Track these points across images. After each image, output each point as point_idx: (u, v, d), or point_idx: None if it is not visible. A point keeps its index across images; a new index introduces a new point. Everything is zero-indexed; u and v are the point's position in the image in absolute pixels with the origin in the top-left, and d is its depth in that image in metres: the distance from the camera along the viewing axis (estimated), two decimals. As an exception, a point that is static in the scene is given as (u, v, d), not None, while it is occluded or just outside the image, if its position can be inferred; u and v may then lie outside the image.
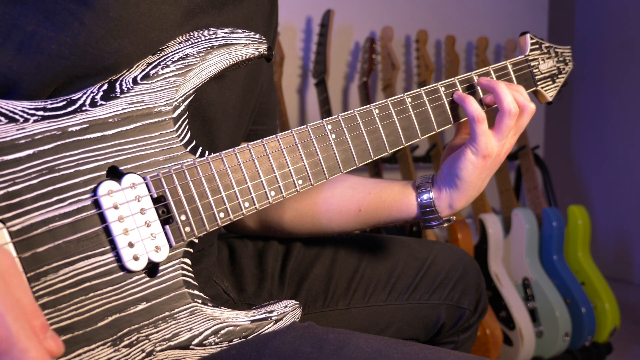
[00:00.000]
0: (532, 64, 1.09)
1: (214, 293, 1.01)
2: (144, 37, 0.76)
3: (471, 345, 1.18)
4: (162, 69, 0.75)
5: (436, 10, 2.83)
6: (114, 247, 0.67)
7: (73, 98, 0.70)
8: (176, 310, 0.72)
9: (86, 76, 0.72)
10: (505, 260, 2.38)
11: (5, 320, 0.49)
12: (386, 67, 2.45)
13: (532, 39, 1.10)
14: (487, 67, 1.01)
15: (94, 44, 0.71)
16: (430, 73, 2.49)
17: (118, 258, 0.67)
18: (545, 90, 1.11)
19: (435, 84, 0.96)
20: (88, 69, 0.72)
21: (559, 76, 1.15)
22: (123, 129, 0.71)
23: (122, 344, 0.67)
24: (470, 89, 0.99)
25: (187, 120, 0.77)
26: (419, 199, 0.98)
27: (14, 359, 0.50)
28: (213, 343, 0.74)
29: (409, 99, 0.93)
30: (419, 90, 0.94)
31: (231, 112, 0.93)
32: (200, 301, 0.74)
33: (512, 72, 1.04)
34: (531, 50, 1.09)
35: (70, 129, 0.67)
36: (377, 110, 0.90)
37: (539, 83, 1.10)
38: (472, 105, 0.93)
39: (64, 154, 0.66)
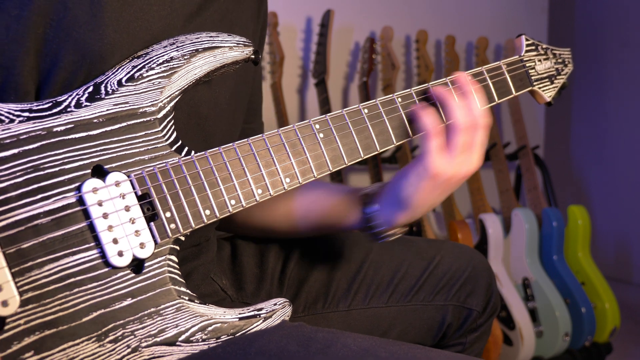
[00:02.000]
0: (528, 64, 1.08)
1: (211, 290, 1.01)
2: (127, 26, 0.77)
3: (482, 346, 1.15)
4: (146, 71, 0.76)
5: (436, 10, 2.83)
6: (98, 244, 0.68)
7: (58, 100, 0.71)
8: (162, 306, 0.72)
9: (71, 64, 0.73)
10: (505, 260, 2.38)
11: None
12: (386, 67, 2.46)
13: (527, 40, 1.10)
14: (480, 68, 1.01)
15: (77, 28, 0.73)
16: (430, 73, 2.49)
17: (103, 254, 0.68)
18: (543, 91, 1.11)
19: (426, 84, 0.95)
20: (72, 55, 0.73)
21: (558, 77, 1.14)
22: (108, 128, 0.72)
23: (107, 340, 0.68)
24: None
25: (173, 121, 0.78)
26: (363, 209, 0.96)
27: None
28: (200, 340, 0.74)
29: (399, 99, 0.93)
30: (409, 90, 0.94)
31: (224, 110, 0.94)
32: (187, 298, 0.74)
33: (506, 72, 1.04)
34: (527, 51, 1.09)
35: (55, 129, 0.69)
36: (365, 110, 0.90)
37: (535, 83, 1.09)
38: (425, 120, 0.87)
39: (48, 153, 0.68)
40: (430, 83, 0.95)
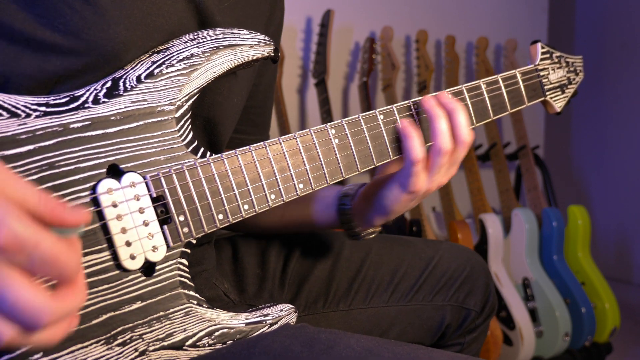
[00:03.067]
0: (542, 73, 1.07)
1: (214, 295, 1.01)
2: (140, 22, 0.75)
3: (480, 346, 1.17)
4: (166, 68, 0.75)
5: (436, 10, 2.83)
6: (111, 246, 0.67)
7: (76, 95, 0.70)
8: (171, 310, 0.72)
9: (86, 66, 0.72)
10: (505, 260, 2.39)
11: (6, 224, 0.49)
12: (386, 67, 2.46)
13: (542, 47, 1.09)
14: (495, 76, 1.00)
15: (87, 30, 0.71)
16: (430, 73, 2.49)
17: (115, 256, 0.67)
18: (554, 101, 1.10)
19: (443, 92, 0.95)
20: (85, 57, 0.71)
21: (569, 86, 1.13)
22: (125, 127, 0.71)
23: (116, 343, 0.67)
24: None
25: (189, 120, 0.76)
26: (339, 207, 1.00)
27: (30, 254, 0.50)
28: (207, 344, 0.74)
29: (415, 106, 0.92)
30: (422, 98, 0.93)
31: (235, 115, 0.94)
32: (195, 302, 0.74)
33: (520, 82, 1.03)
34: (541, 59, 1.08)
35: (71, 126, 0.67)
36: (382, 116, 0.89)
37: (547, 93, 1.08)
38: (414, 144, 0.87)
39: (64, 151, 0.66)
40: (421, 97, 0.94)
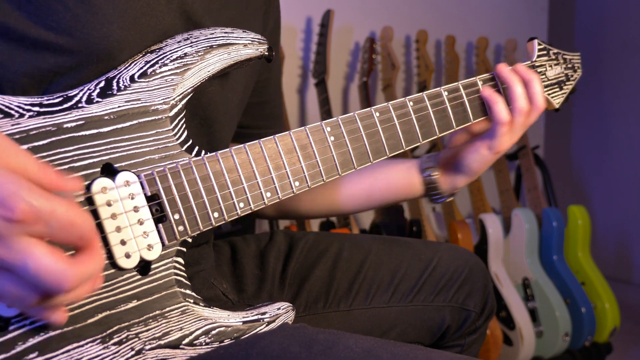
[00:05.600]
0: (539, 70, 1.07)
1: (213, 295, 1.00)
2: (134, 22, 0.75)
3: (479, 348, 1.17)
4: (159, 67, 0.75)
5: (436, 10, 2.83)
6: (106, 245, 0.67)
7: (69, 95, 0.70)
8: (167, 309, 0.72)
9: (80, 65, 0.72)
10: (505, 260, 2.38)
11: (21, 197, 0.51)
12: (386, 67, 2.45)
13: (539, 44, 1.09)
14: (491, 73, 1.01)
15: (80, 28, 0.71)
16: (430, 73, 2.49)
17: (110, 255, 0.67)
18: (552, 97, 1.10)
19: (438, 88, 0.96)
20: (78, 55, 0.72)
21: (567, 83, 1.13)
22: (119, 126, 0.71)
23: (112, 342, 0.67)
24: (473, 86, 1.01)
25: (184, 119, 0.76)
26: (424, 178, 1.07)
27: (48, 222, 0.53)
28: (204, 343, 0.73)
29: (411, 103, 0.92)
30: (421, 94, 0.94)
31: (234, 114, 0.93)
32: (192, 301, 0.74)
33: None
34: (538, 56, 1.08)
35: (65, 125, 0.67)
36: (377, 114, 0.89)
37: (545, 90, 1.08)
38: (501, 107, 0.97)
39: (58, 150, 0.66)
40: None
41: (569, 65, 1.14)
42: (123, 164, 0.70)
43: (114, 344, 0.67)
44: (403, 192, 1.10)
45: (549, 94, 1.09)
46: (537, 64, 1.07)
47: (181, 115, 0.76)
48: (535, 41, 1.09)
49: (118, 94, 0.72)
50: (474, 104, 0.99)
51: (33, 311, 0.58)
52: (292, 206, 1.16)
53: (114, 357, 0.67)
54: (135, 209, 0.69)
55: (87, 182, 0.67)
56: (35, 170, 0.54)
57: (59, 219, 0.53)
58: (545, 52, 1.10)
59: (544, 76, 1.08)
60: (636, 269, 3.08)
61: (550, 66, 1.10)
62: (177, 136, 0.75)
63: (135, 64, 0.74)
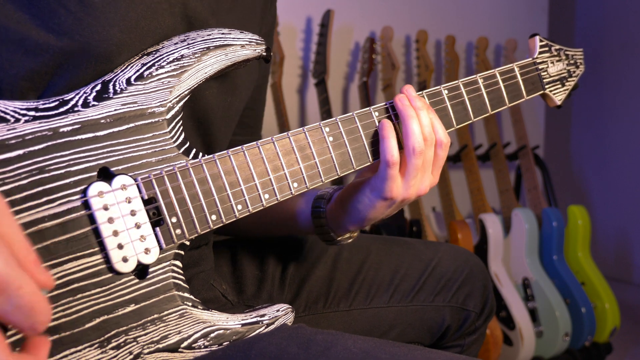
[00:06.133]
0: (541, 66, 1.07)
1: (212, 296, 1.00)
2: (135, 25, 0.75)
3: (479, 348, 1.17)
4: (156, 69, 0.74)
5: (436, 10, 2.83)
6: (103, 249, 0.66)
7: (65, 98, 0.69)
8: (165, 312, 0.71)
9: (76, 67, 0.72)
10: (505, 260, 2.38)
11: None
12: (386, 67, 2.45)
13: (541, 41, 1.08)
14: (493, 70, 1.00)
15: (80, 31, 0.71)
16: (430, 73, 2.49)
17: (107, 259, 0.67)
18: (554, 94, 1.09)
19: (438, 87, 0.94)
20: (77, 58, 0.71)
21: (569, 79, 1.12)
22: (115, 129, 0.70)
23: (110, 346, 0.67)
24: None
25: (181, 122, 0.76)
26: (313, 213, 0.97)
27: (10, 296, 0.50)
28: (202, 346, 0.73)
29: (376, 113, 0.91)
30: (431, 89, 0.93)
31: (233, 117, 0.93)
32: (190, 304, 0.73)
33: (519, 75, 1.03)
34: (540, 52, 1.07)
35: (61, 130, 0.67)
36: (376, 113, 0.88)
37: (547, 86, 1.08)
38: (388, 145, 0.84)
39: (54, 155, 0.66)
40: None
41: (572, 62, 1.13)
42: (120, 167, 0.70)
43: (112, 349, 0.67)
44: (294, 229, 1.02)
45: (550, 90, 1.09)
46: (538, 60, 1.07)
47: (178, 118, 0.76)
48: (537, 37, 1.08)
49: (114, 97, 0.72)
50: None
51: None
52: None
53: None
54: (132, 213, 0.69)
55: (83, 187, 0.67)
56: (21, 246, 0.53)
57: (22, 298, 0.51)
58: (547, 48, 1.09)
59: (545, 73, 1.07)
60: (636, 269, 3.08)
61: (552, 62, 1.09)
62: (174, 139, 0.74)
63: (131, 67, 0.74)
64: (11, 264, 0.51)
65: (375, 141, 0.88)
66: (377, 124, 0.87)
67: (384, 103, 0.90)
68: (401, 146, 0.87)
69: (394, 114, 0.89)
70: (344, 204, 0.92)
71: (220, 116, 0.89)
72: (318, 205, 0.97)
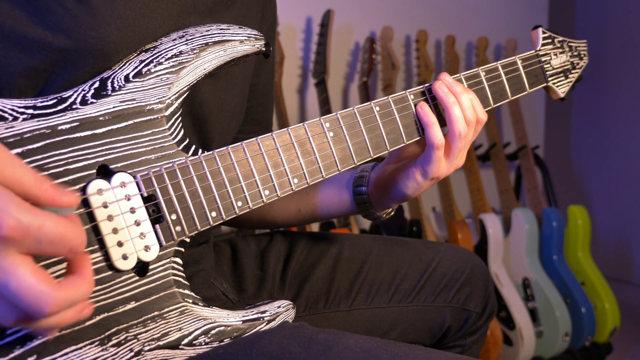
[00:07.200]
0: (543, 59, 1.06)
1: (213, 295, 1.00)
2: (133, 24, 0.75)
3: (479, 349, 1.16)
4: (154, 66, 0.74)
5: (436, 10, 2.83)
6: (102, 246, 0.66)
7: (64, 96, 0.69)
8: (166, 309, 0.71)
9: (73, 65, 0.72)
10: (505, 260, 2.38)
11: (9, 213, 0.50)
12: (386, 67, 2.45)
13: (544, 32, 1.07)
14: (495, 63, 0.99)
15: (77, 28, 0.71)
16: (430, 73, 2.49)
17: (107, 257, 0.67)
18: (557, 86, 1.08)
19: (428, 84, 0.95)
20: (74, 56, 0.71)
21: (573, 71, 1.11)
22: (114, 127, 0.70)
23: (110, 344, 0.67)
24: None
25: (180, 119, 0.76)
26: (355, 196, 1.01)
27: (36, 238, 0.52)
28: (203, 343, 0.73)
29: (411, 96, 0.92)
30: (421, 87, 0.93)
31: (227, 115, 0.93)
32: (190, 301, 0.73)
33: (521, 68, 1.02)
34: (543, 44, 1.06)
35: (60, 128, 0.67)
36: (377, 108, 0.88)
37: (550, 79, 1.07)
38: (434, 130, 0.89)
39: (53, 153, 0.66)
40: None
41: (575, 53, 1.12)
42: (119, 165, 0.70)
43: (112, 346, 0.67)
44: (334, 210, 1.05)
45: (554, 83, 1.08)
46: (541, 52, 1.06)
47: (177, 115, 0.75)
48: (540, 29, 1.07)
49: (113, 94, 0.71)
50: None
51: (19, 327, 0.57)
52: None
53: (113, 359, 0.67)
54: (132, 210, 0.69)
55: (82, 184, 0.67)
56: (31, 182, 0.53)
57: (48, 234, 0.52)
58: (550, 40, 1.08)
59: (548, 65, 1.07)
60: (636, 269, 3.08)
61: (555, 54, 1.08)
62: (173, 135, 0.74)
63: (129, 64, 0.74)
64: (23, 208, 0.51)
65: (410, 123, 0.91)
66: (413, 107, 0.91)
67: (420, 87, 0.93)
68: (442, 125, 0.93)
69: (430, 97, 0.93)
70: (385, 187, 0.98)
71: (215, 114, 0.89)
72: (359, 183, 1.01)
